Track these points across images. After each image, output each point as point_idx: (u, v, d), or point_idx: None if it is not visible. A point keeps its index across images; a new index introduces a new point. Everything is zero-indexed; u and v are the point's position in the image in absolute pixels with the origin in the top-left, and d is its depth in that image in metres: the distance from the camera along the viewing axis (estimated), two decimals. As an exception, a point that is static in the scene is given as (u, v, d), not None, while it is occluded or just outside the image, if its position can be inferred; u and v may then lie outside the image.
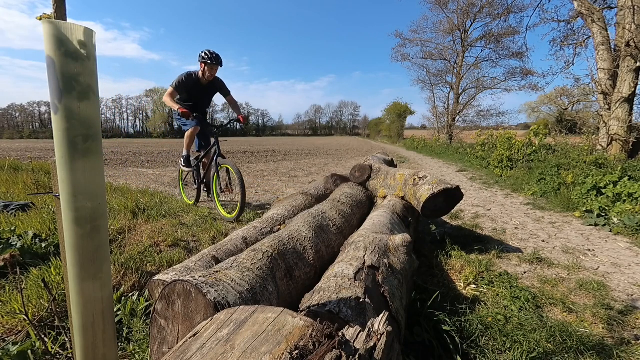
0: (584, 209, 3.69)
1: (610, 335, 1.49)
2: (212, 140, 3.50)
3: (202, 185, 3.74)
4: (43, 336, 1.29)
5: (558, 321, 1.53)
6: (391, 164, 3.66)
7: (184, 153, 3.70)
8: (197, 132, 3.58)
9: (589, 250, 2.62)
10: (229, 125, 3.88)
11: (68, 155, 0.65)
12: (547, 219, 3.59)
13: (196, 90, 3.54)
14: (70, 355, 1.25)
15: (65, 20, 1.11)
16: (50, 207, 3.16)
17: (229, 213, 3.21)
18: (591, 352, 1.32)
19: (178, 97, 3.47)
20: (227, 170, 3.39)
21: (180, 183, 4.07)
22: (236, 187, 3.12)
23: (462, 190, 2.50)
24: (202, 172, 3.74)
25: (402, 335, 1.20)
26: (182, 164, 3.73)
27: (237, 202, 3.18)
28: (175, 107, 3.29)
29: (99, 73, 0.71)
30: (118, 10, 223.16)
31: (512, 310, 1.63)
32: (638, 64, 5.52)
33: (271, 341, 0.65)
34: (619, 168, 4.25)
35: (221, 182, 3.41)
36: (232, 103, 3.80)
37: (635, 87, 5.71)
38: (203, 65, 3.36)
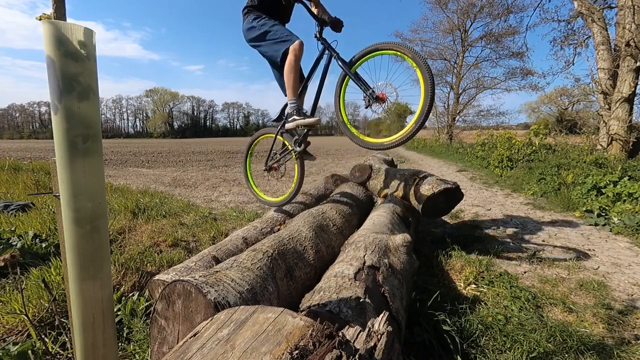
0: (584, 208, 3.69)
1: (610, 335, 1.49)
2: (325, 54, 2.13)
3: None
4: (43, 336, 1.29)
5: (558, 321, 1.53)
6: (391, 163, 3.65)
7: (292, 98, 2.14)
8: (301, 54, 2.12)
9: (589, 250, 2.62)
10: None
11: (68, 155, 0.65)
12: (547, 218, 3.59)
13: None
14: (70, 355, 1.25)
15: (65, 19, 1.11)
16: (50, 207, 3.16)
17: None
18: (591, 352, 1.32)
19: None
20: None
21: (249, 174, 2.83)
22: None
23: (462, 190, 2.50)
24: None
25: (402, 335, 1.20)
26: (297, 117, 2.11)
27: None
28: None
29: (99, 73, 0.71)
30: (119, 10, 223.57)
31: (512, 310, 1.63)
32: (638, 64, 5.52)
33: (271, 341, 0.65)
34: (619, 168, 4.25)
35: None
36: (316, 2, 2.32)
37: (635, 87, 5.71)
38: None
